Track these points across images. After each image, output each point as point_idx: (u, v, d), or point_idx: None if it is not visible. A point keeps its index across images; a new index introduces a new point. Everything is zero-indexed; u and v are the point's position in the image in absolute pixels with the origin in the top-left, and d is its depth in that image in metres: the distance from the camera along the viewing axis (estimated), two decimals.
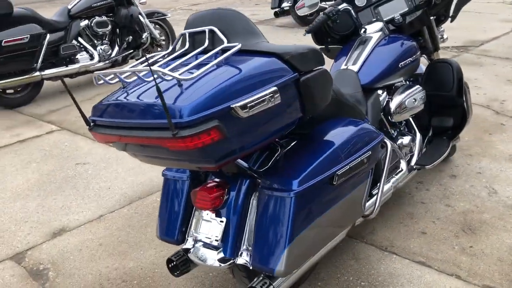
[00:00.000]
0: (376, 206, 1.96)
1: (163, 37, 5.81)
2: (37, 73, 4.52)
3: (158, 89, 1.24)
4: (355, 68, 2.29)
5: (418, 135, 2.51)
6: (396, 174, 2.27)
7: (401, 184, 2.31)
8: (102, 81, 1.50)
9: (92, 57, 4.98)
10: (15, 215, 2.73)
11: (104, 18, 5.06)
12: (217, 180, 1.69)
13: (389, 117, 2.34)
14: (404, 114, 2.35)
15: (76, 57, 4.91)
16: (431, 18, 2.55)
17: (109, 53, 5.10)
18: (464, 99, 2.50)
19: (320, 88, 1.58)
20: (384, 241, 2.26)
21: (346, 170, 1.64)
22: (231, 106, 1.31)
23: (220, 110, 1.30)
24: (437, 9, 2.58)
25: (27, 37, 4.31)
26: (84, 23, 4.95)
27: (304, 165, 1.58)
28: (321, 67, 1.59)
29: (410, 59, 2.37)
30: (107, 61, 5.09)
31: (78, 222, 2.62)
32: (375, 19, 2.50)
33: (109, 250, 2.35)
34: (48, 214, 2.72)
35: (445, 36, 2.77)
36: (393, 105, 2.31)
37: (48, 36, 4.49)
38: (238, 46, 1.48)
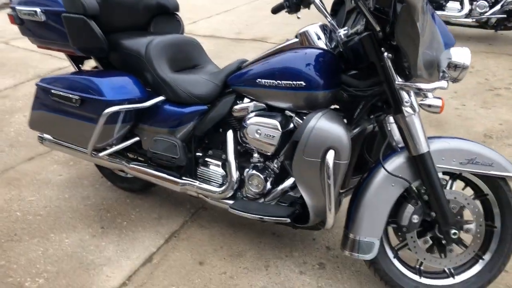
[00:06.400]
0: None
1: None
2: None
3: None
4: (249, 59, 1.88)
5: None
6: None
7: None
8: None
9: (460, 9, 4.47)
10: None
11: None
12: None
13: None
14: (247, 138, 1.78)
15: (446, 4, 4.54)
16: (386, 55, 1.42)
17: (483, 11, 4.40)
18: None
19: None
20: None
21: (56, 93, 1.98)
22: None
23: None
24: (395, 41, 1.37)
25: None
26: None
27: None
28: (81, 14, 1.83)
29: (279, 81, 1.65)
30: (474, 19, 4.44)
31: None
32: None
33: None
34: None
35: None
36: (245, 122, 1.78)
37: None
38: None
